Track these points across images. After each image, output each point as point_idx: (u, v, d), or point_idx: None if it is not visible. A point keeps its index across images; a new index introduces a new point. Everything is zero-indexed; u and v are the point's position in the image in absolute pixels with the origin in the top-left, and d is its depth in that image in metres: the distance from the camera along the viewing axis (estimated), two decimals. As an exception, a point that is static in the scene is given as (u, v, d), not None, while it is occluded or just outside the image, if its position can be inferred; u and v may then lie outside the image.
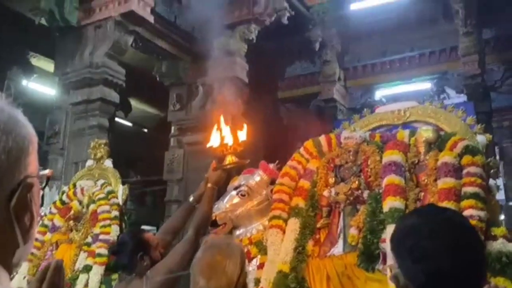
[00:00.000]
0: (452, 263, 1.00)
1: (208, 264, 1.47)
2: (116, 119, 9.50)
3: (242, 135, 2.40)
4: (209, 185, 2.52)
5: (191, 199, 2.69)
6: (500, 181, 8.99)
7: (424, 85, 9.87)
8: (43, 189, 0.82)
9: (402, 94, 9.91)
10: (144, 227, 15.06)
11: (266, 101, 9.81)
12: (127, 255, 2.37)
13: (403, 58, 9.80)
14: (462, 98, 9.09)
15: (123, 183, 4.34)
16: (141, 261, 2.33)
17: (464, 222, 1.10)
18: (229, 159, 2.46)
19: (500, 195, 8.15)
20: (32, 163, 0.76)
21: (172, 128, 8.41)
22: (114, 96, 6.75)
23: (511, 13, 7.71)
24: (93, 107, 6.60)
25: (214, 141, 2.50)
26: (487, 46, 8.97)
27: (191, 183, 7.75)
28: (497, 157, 11.29)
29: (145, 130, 12.04)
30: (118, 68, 6.81)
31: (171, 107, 8.43)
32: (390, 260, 2.32)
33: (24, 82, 9.49)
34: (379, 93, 10.31)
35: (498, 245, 2.32)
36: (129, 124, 11.17)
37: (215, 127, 2.54)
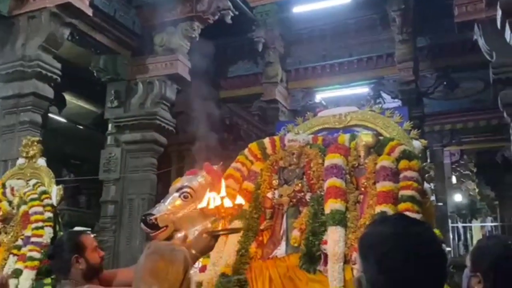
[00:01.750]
0: (417, 274, 1.04)
1: (150, 270, 1.43)
2: (50, 115, 9.07)
3: (240, 200, 2.18)
4: (193, 251, 1.99)
5: None
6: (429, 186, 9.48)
7: (362, 89, 10.22)
8: None
9: (341, 97, 10.21)
10: (77, 228, 14.53)
11: (208, 100, 9.74)
12: (61, 258, 2.26)
13: (342, 63, 10.09)
14: (397, 103, 9.50)
15: (57, 183, 4.14)
16: (76, 263, 2.22)
17: (431, 235, 1.14)
18: (222, 225, 2.12)
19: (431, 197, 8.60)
20: None
21: (109, 125, 8.14)
22: (48, 91, 6.43)
23: (445, 23, 8.13)
24: (25, 101, 6.25)
25: (207, 202, 2.17)
26: (421, 54, 9.44)
27: (128, 183, 7.56)
28: (428, 160, 11.91)
29: (81, 127, 11.56)
30: (53, 61, 6.49)
31: (108, 104, 8.16)
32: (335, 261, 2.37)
33: None
34: (320, 96, 10.55)
35: (432, 246, 2.43)
36: (64, 120, 10.68)
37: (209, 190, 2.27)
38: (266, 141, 3.10)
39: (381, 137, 2.90)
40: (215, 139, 8.43)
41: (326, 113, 3.35)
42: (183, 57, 8.08)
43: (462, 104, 10.93)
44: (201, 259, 2.89)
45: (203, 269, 2.81)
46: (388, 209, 2.48)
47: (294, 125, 3.40)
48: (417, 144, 2.92)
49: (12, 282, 3.46)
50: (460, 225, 14.31)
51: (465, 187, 16.22)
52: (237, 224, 2.79)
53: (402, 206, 2.50)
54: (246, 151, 3.08)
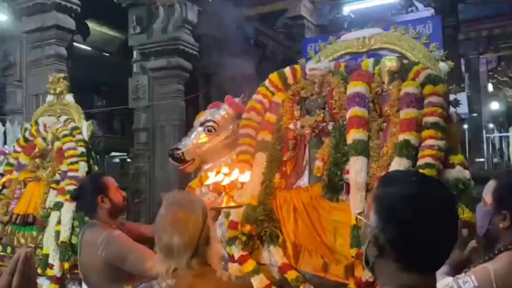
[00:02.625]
0: (438, 237, 1.08)
1: (171, 221, 1.50)
2: (75, 44, 9.08)
3: (244, 177, 2.27)
4: None
5: None
6: (464, 94, 9.22)
7: (392, -2, 9.70)
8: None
9: (370, 8, 9.76)
10: (113, 153, 15.05)
11: (231, 19, 9.47)
12: (87, 198, 2.41)
13: (371, -29, 9.52)
14: (430, 11, 9.01)
15: (90, 111, 4.24)
16: (101, 203, 2.38)
17: (452, 197, 1.17)
18: (226, 200, 2.33)
19: (463, 108, 8.39)
20: None
21: (134, 52, 8.11)
22: (70, 22, 6.39)
23: None
24: (49, 35, 6.26)
25: (213, 179, 2.35)
26: (456, -44, 8.76)
27: (158, 110, 7.67)
28: (463, 69, 11.48)
29: (107, 54, 11.57)
30: (71, -10, 6.38)
31: (131, 30, 8.06)
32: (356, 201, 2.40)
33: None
34: (347, 8, 10.12)
35: (456, 172, 2.42)
36: (89, 48, 10.69)
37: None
38: (287, 70, 3.03)
39: (405, 61, 2.79)
40: (239, 60, 8.34)
41: (349, 37, 3.22)
42: (203, -24, 7.78)
43: (500, 8, 10.26)
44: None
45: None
46: (411, 137, 2.44)
47: (322, 41, 3.32)
48: (444, 67, 2.79)
49: (54, 214, 3.70)
50: (496, 135, 14.00)
51: (503, 94, 15.70)
52: (260, 156, 2.83)
53: (425, 133, 2.46)
54: (266, 82, 3.04)
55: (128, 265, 2.24)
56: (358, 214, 1.51)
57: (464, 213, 2.26)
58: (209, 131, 3.12)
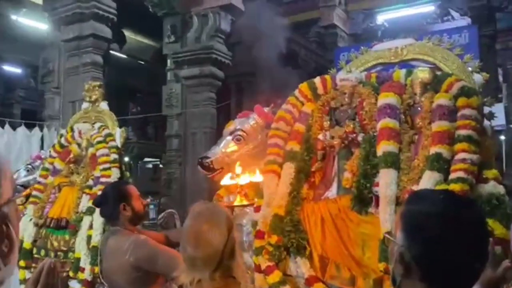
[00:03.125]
0: (464, 258, 1.05)
1: (195, 233, 1.51)
2: (112, 52, 9.31)
3: (256, 178, 2.39)
4: None
5: None
6: (501, 105, 8.94)
7: (428, 7, 9.54)
8: (24, 203, 0.81)
9: (404, 17, 9.62)
10: (146, 159, 15.31)
11: (264, 28, 9.53)
12: (110, 206, 2.46)
13: (406, -21, 9.39)
14: (466, 20, 8.81)
15: (124, 118, 4.34)
16: (123, 211, 2.43)
17: (481, 218, 1.14)
18: (239, 200, 2.55)
19: (501, 119, 8.14)
20: (4, 192, 0.75)
21: (168, 61, 8.26)
22: (106, 31, 6.57)
23: None
24: (86, 43, 6.45)
25: (226, 180, 2.63)
26: (494, -36, 8.56)
27: (190, 118, 7.77)
28: (500, 79, 11.16)
29: (142, 62, 11.83)
30: (108, 1, 6.56)
31: (166, 39, 8.23)
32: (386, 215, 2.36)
33: (14, 17, 9.19)
34: (381, 17, 10.00)
35: (489, 187, 2.34)
36: (125, 56, 10.95)
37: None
38: (317, 80, 3.02)
39: (438, 73, 2.73)
40: (272, 68, 8.35)
41: (381, 47, 3.18)
42: (237, -14, 7.87)
43: (541, 17, 9.94)
44: (256, 199, 3.00)
45: (258, 209, 2.91)
46: (443, 150, 2.39)
47: (355, 50, 3.29)
48: (478, 78, 2.73)
49: (87, 218, 3.79)
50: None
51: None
52: (288, 166, 2.83)
53: (458, 146, 2.40)
54: (296, 92, 3.03)
55: (161, 266, 2.28)
56: (386, 233, 1.48)
57: (498, 230, 2.19)
58: (238, 140, 3.13)
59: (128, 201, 2.47)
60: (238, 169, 2.35)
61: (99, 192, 3.83)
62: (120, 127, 4.28)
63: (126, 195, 2.49)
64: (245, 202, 2.54)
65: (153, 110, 9.91)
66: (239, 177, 2.30)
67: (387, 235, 1.38)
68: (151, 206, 8.79)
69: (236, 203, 2.58)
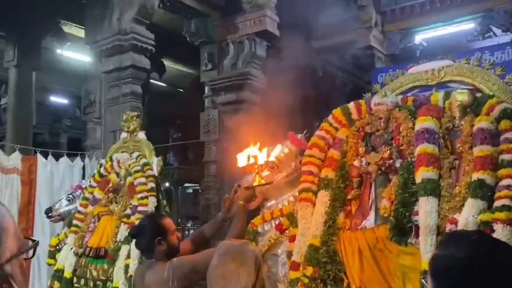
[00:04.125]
0: None
1: (223, 273, 1.47)
2: (152, 80, 9.57)
3: (273, 156, 2.62)
4: (240, 202, 2.83)
5: (219, 215, 3.02)
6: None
7: (468, 25, 9.27)
8: (32, 257, 0.81)
9: (443, 36, 9.41)
10: (187, 184, 15.47)
11: (299, 52, 9.54)
12: (146, 239, 2.46)
13: (444, -2, 9.20)
14: (509, 36, 8.52)
15: (163, 145, 4.40)
16: (158, 245, 2.43)
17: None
18: (258, 179, 2.72)
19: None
20: (7, 249, 0.74)
21: (206, 88, 8.39)
22: (145, 62, 6.76)
23: None
24: (125, 74, 6.65)
25: (243, 160, 2.83)
26: (537, -22, 8.27)
27: (226, 144, 7.79)
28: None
29: (181, 90, 12.09)
30: (146, 32, 6.77)
31: (203, 67, 8.37)
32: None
33: (59, 51, 9.62)
34: (419, 37, 9.81)
35: (537, 216, 2.19)
36: (164, 85, 11.23)
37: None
38: (351, 105, 2.96)
39: (478, 95, 2.62)
40: (308, 92, 8.29)
41: (417, 69, 3.09)
42: (271, 12, 7.95)
43: None
44: (290, 228, 2.94)
45: (292, 238, 2.85)
46: (486, 176, 2.26)
47: (392, 71, 3.22)
48: (523, 99, 2.59)
49: (125, 248, 3.83)
50: None
51: None
52: (323, 194, 2.76)
53: (502, 171, 2.27)
54: (330, 117, 2.97)
55: (202, 270, 2.28)
56: (423, 278, 1.39)
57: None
58: (271, 168, 3.09)
59: (164, 236, 2.47)
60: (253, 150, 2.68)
61: (137, 221, 3.88)
62: (162, 153, 4.34)
63: (162, 229, 2.50)
64: (263, 182, 2.83)
65: (193, 136, 10.05)
66: (256, 158, 2.53)
67: (423, 281, 1.28)
68: (192, 231, 8.80)
69: (255, 184, 2.82)
